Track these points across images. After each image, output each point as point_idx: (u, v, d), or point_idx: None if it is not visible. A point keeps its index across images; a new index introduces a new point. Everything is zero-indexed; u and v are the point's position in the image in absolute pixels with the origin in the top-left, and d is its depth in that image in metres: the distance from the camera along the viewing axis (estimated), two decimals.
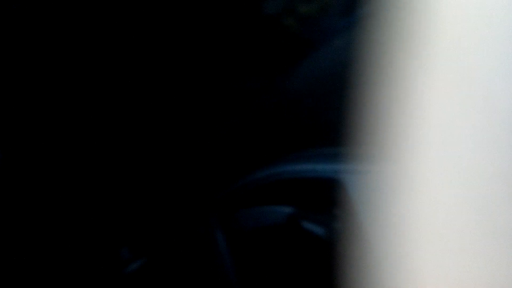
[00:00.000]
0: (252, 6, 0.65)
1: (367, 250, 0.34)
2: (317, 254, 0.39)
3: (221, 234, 0.43)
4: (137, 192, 0.53)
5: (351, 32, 0.51)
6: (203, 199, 0.46)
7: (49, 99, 0.52)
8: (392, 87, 0.33)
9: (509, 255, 0.25)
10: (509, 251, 0.25)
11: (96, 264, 0.49)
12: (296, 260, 0.41)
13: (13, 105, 0.47)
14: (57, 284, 0.44)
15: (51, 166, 0.49)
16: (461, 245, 0.26)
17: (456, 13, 0.25)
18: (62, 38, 0.54)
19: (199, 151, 0.56)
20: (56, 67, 0.54)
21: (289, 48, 0.65)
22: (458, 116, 0.26)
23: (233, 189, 0.45)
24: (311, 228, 0.39)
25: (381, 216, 0.33)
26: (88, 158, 0.54)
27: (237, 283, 0.42)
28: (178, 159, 0.56)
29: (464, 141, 0.26)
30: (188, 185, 0.53)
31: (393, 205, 0.32)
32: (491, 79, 0.25)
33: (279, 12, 0.64)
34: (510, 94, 0.23)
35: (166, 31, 0.62)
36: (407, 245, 0.30)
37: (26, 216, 0.43)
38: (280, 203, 0.43)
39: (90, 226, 0.49)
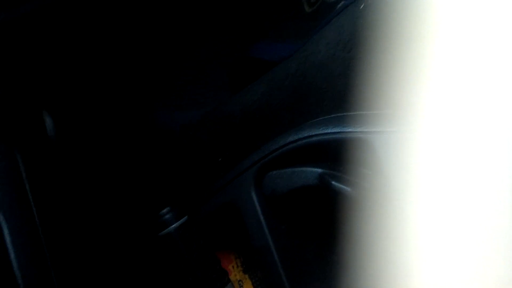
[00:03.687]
0: None
1: (394, 208, 0.36)
2: (347, 213, 0.40)
3: (256, 195, 0.45)
4: (179, 153, 0.56)
5: None
6: (240, 161, 0.48)
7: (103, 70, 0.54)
8: (415, 50, 0.34)
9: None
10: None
11: (136, 226, 0.52)
12: (328, 220, 0.43)
13: (67, 76, 0.50)
14: (97, 247, 0.47)
15: (101, 132, 0.51)
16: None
17: None
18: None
19: (231, 117, 0.57)
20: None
21: (311, 13, 0.65)
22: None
23: (265, 153, 0.47)
24: (341, 188, 0.41)
25: (407, 175, 0.35)
26: (133, 120, 0.56)
27: (273, 245, 0.44)
28: (213, 124, 0.57)
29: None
30: (225, 146, 0.55)
31: (419, 164, 0.33)
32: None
33: None
34: None
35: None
36: (433, 205, 0.32)
37: (78, 183, 0.46)
38: (310, 165, 0.44)
39: (131, 188, 0.52)
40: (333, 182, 0.41)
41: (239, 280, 0.54)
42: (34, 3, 0.42)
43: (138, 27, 0.59)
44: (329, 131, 0.42)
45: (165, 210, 0.46)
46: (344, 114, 0.44)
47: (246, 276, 0.54)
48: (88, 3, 0.48)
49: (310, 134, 0.43)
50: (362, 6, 0.53)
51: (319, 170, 0.43)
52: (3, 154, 0.36)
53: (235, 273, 0.54)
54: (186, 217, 0.47)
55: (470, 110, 0.28)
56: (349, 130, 0.41)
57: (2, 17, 0.41)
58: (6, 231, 0.33)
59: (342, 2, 0.62)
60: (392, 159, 0.38)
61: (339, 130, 0.41)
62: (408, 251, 0.31)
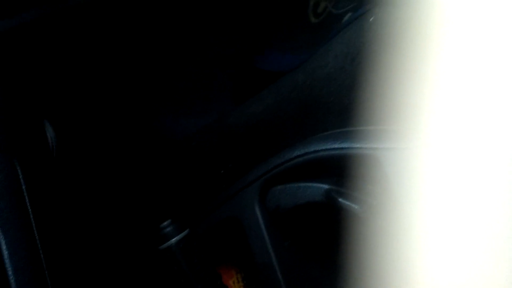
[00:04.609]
0: None
1: (402, 226, 0.35)
2: (353, 231, 0.39)
3: (259, 210, 0.45)
4: (182, 164, 0.55)
5: (384, 8, 0.51)
6: (244, 174, 0.47)
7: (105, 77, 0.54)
8: (423, 64, 0.33)
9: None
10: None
11: (136, 239, 0.51)
12: (333, 237, 0.42)
13: (68, 84, 0.49)
14: (98, 259, 0.46)
15: (102, 140, 0.51)
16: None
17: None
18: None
19: (236, 128, 0.57)
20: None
21: (317, 24, 0.65)
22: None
23: (270, 167, 0.46)
24: (348, 205, 0.40)
25: (415, 193, 0.34)
26: (135, 129, 0.56)
27: (276, 262, 0.44)
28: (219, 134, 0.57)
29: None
30: (231, 159, 0.54)
31: (426, 182, 0.32)
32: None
33: None
34: None
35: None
36: (441, 221, 0.31)
37: (78, 192, 0.45)
38: (316, 180, 0.44)
39: (132, 200, 0.51)
40: (340, 199, 0.40)
41: None
42: (35, 12, 0.42)
43: (142, 35, 0.58)
44: (337, 146, 0.41)
45: (166, 223, 0.46)
46: (352, 129, 0.43)
47: None
48: (90, 12, 0.48)
49: (317, 149, 0.42)
50: (371, 19, 0.52)
51: (325, 186, 0.42)
52: (3, 165, 0.35)
53: None
54: (187, 230, 0.46)
55: (480, 127, 0.28)
56: (357, 146, 0.40)
57: (2, 26, 0.40)
58: (3, 245, 0.32)
59: (349, 14, 0.61)
60: (400, 176, 0.37)
61: (347, 146, 0.41)
62: (416, 269, 0.31)
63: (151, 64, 0.60)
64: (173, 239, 0.45)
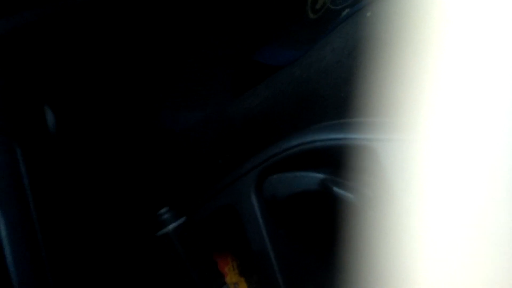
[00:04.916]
0: None
1: (397, 217, 0.36)
2: (348, 220, 0.40)
3: (256, 199, 0.45)
4: (179, 154, 0.55)
5: (381, 4, 0.51)
6: (241, 164, 0.48)
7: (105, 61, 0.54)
8: (421, 58, 0.34)
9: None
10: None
11: (134, 225, 0.51)
12: (328, 226, 0.42)
13: (69, 66, 0.49)
14: (95, 247, 0.47)
15: (103, 127, 0.51)
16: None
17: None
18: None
19: (233, 121, 0.57)
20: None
21: (315, 20, 0.65)
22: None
23: (266, 156, 0.46)
24: (342, 194, 0.40)
25: (411, 183, 0.35)
26: (134, 117, 0.56)
27: (271, 249, 0.44)
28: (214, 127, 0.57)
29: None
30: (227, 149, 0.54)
31: (422, 173, 0.33)
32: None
33: None
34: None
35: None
36: (436, 213, 0.31)
37: (77, 178, 0.45)
38: (312, 170, 0.44)
39: (130, 187, 0.52)
40: (334, 188, 0.40)
41: (235, 283, 0.54)
42: (38, 10, 0.42)
43: (142, 27, 0.59)
44: (333, 137, 0.42)
45: (163, 210, 0.46)
46: (348, 120, 0.43)
47: (242, 279, 0.54)
48: (92, 5, 0.48)
49: (314, 139, 0.43)
50: (368, 14, 0.53)
51: (321, 175, 0.43)
52: (3, 148, 0.35)
53: (231, 276, 0.54)
54: (184, 217, 0.46)
55: (476, 118, 0.28)
56: (353, 136, 0.40)
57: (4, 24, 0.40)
58: (2, 226, 0.33)
59: (347, 10, 0.62)
60: (395, 167, 0.37)
61: (343, 136, 0.41)
62: (411, 260, 0.31)
63: (152, 57, 0.60)
64: (170, 226, 0.45)
